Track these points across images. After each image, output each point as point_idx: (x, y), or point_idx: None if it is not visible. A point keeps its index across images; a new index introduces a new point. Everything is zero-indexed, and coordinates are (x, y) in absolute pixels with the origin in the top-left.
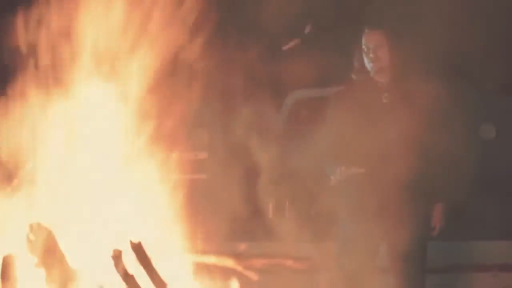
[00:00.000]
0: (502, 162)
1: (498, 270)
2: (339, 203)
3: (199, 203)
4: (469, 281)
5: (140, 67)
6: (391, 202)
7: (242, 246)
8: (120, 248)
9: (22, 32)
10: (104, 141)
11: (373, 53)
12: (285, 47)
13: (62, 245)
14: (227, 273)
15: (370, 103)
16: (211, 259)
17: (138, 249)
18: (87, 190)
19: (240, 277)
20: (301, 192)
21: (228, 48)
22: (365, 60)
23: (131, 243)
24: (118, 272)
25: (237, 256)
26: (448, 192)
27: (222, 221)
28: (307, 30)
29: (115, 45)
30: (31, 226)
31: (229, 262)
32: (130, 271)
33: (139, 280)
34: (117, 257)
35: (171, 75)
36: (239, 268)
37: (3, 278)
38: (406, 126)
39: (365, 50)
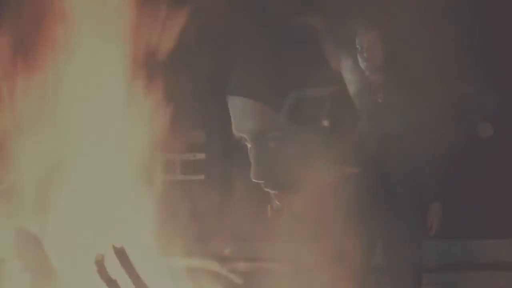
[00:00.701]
0: (499, 160)
1: (494, 269)
2: (334, 203)
3: (185, 205)
4: (465, 280)
5: (132, 66)
6: (386, 201)
7: (227, 249)
8: (103, 253)
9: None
10: (95, 142)
11: (367, 52)
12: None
13: (47, 250)
14: (211, 276)
15: (365, 103)
16: (196, 263)
17: (121, 253)
18: (72, 194)
19: (225, 280)
20: (297, 192)
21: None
22: (359, 59)
23: (114, 247)
24: (101, 277)
25: (222, 259)
26: (444, 191)
27: (209, 223)
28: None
29: (107, 44)
30: (16, 232)
31: (213, 265)
32: (113, 276)
33: (122, 285)
34: (100, 262)
35: (165, 73)
36: (223, 271)
37: None
38: (401, 127)
39: (359, 49)
